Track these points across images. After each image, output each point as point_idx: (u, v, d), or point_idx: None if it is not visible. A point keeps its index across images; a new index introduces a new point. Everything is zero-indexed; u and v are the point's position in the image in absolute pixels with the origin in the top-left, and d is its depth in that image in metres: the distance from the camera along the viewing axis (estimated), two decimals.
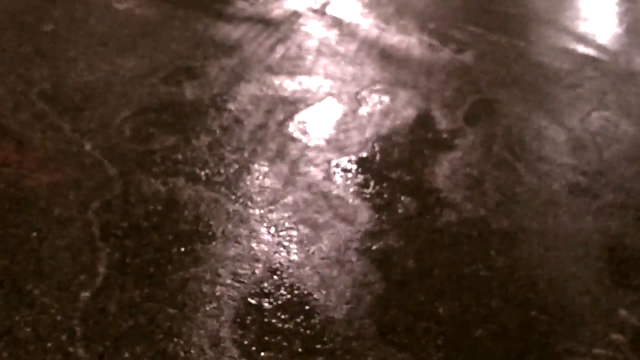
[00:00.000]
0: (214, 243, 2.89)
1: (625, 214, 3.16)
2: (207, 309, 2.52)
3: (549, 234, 3.01)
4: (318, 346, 2.38)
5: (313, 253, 2.86)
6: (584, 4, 6.40)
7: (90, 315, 2.44)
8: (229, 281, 2.67)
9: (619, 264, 2.81)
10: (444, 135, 3.84)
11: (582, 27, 5.56)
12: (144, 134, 3.80)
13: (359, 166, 3.55)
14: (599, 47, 5.12)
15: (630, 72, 4.66)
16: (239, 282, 2.67)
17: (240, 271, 2.73)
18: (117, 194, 3.19)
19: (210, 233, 2.95)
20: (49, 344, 2.29)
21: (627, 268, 2.78)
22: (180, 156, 3.58)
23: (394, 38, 5.40)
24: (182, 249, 2.83)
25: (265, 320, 2.49)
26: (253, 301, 2.58)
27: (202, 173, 3.43)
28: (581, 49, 5.12)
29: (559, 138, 3.81)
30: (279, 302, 2.58)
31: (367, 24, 5.75)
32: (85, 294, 2.53)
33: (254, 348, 2.35)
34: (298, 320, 2.50)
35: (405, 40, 5.35)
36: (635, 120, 3.98)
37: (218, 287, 2.63)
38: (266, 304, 2.57)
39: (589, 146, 3.72)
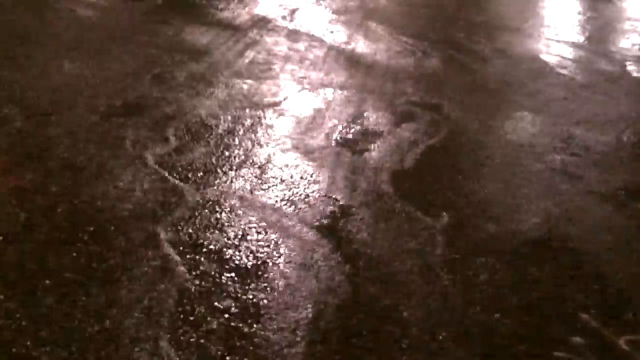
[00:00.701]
0: (181, 248, 2.89)
1: (587, 219, 3.22)
2: (173, 312, 2.53)
3: (507, 239, 3.05)
4: (285, 350, 2.40)
5: (280, 257, 2.88)
6: (548, 12, 6.49)
7: (56, 320, 2.43)
8: (196, 285, 2.68)
9: (579, 268, 2.86)
10: (409, 140, 3.88)
11: (547, 35, 5.65)
12: (111, 138, 3.79)
13: (326, 171, 3.57)
14: (563, 55, 5.20)
15: (592, 79, 4.74)
16: (206, 286, 2.68)
17: (207, 276, 2.74)
18: (84, 199, 3.18)
19: (177, 237, 2.96)
20: (14, 349, 2.29)
21: (587, 273, 2.83)
22: (147, 160, 3.58)
23: (361, 45, 5.44)
24: (149, 253, 2.83)
25: (232, 324, 2.50)
26: (220, 305, 2.59)
27: (170, 177, 3.43)
28: (545, 56, 5.20)
29: (522, 143, 3.86)
30: (246, 306, 2.59)
31: (335, 30, 5.79)
32: (51, 299, 2.53)
33: (219, 352, 2.36)
34: (264, 324, 2.51)
35: (372, 46, 5.40)
36: (597, 128, 4.05)
37: (184, 291, 2.64)
38: (233, 309, 2.58)
39: (549, 152, 3.78)
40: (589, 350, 2.45)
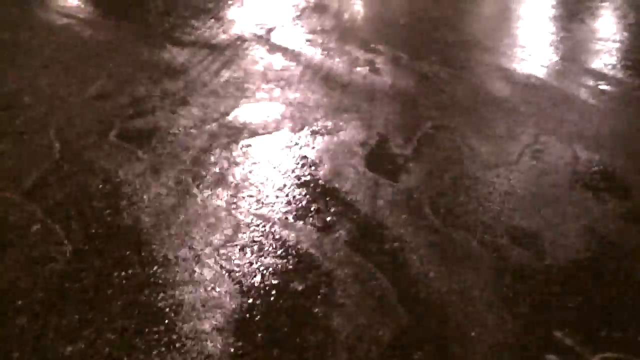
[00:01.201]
0: (155, 268, 2.88)
1: (560, 237, 3.24)
2: (148, 334, 2.51)
3: (487, 256, 3.07)
4: None
5: (253, 279, 2.87)
6: (521, 32, 6.56)
7: (28, 341, 2.41)
8: (169, 306, 2.67)
9: (552, 285, 2.88)
10: (386, 160, 3.89)
11: (520, 54, 5.70)
12: (86, 157, 3.78)
13: (301, 190, 3.57)
14: (536, 74, 5.26)
15: (566, 98, 4.79)
16: (179, 308, 2.67)
17: (182, 297, 2.73)
18: (58, 218, 3.16)
19: (151, 258, 2.94)
20: None
21: (561, 290, 2.85)
22: (121, 180, 3.57)
23: (337, 64, 5.47)
24: (123, 274, 2.82)
25: (208, 342, 2.49)
26: (190, 327, 2.58)
27: (145, 197, 3.42)
28: (519, 75, 5.25)
29: (498, 162, 3.89)
30: (218, 327, 2.58)
31: (311, 50, 5.81)
32: (23, 319, 2.51)
33: None
34: (240, 342, 2.50)
35: (348, 65, 5.42)
36: (572, 145, 4.08)
37: (159, 312, 2.63)
38: (207, 327, 2.57)
39: (526, 170, 3.81)
40: None
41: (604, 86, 5.08)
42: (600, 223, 3.35)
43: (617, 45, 6.08)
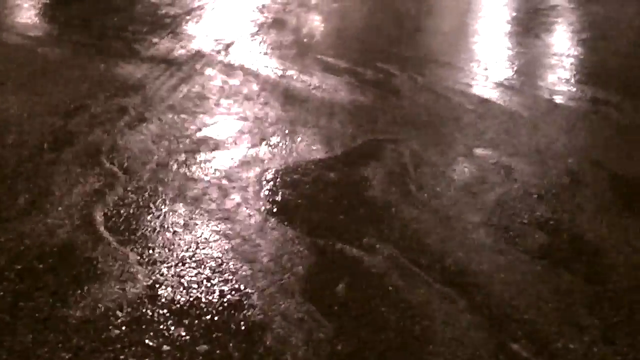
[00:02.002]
0: (112, 284, 2.85)
1: (516, 251, 3.27)
2: (103, 353, 2.48)
3: (437, 270, 3.08)
4: None
5: (213, 293, 2.85)
6: (478, 47, 6.63)
7: None
8: (126, 323, 2.64)
9: (511, 298, 2.91)
10: (344, 172, 3.91)
11: (477, 70, 5.77)
12: (40, 174, 3.73)
13: (260, 206, 3.57)
14: (493, 89, 5.32)
15: (522, 113, 4.85)
16: (137, 324, 2.64)
17: (139, 313, 2.70)
18: (11, 237, 3.12)
19: (107, 275, 2.91)
20: None
21: (517, 303, 2.88)
22: (77, 197, 3.53)
23: (296, 79, 5.48)
24: (78, 292, 2.78)
25: None
26: (151, 343, 2.55)
27: (100, 214, 3.39)
28: (476, 89, 5.30)
29: (454, 176, 3.92)
30: (178, 344, 2.56)
31: (270, 65, 5.82)
32: None
33: None
34: None
35: (307, 81, 5.43)
36: (527, 160, 4.13)
37: (115, 330, 2.59)
38: (165, 347, 2.54)
39: (481, 184, 3.84)
40: None
41: (559, 100, 5.16)
42: (553, 239, 3.39)
43: (572, 60, 6.18)
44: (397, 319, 2.76)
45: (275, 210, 3.53)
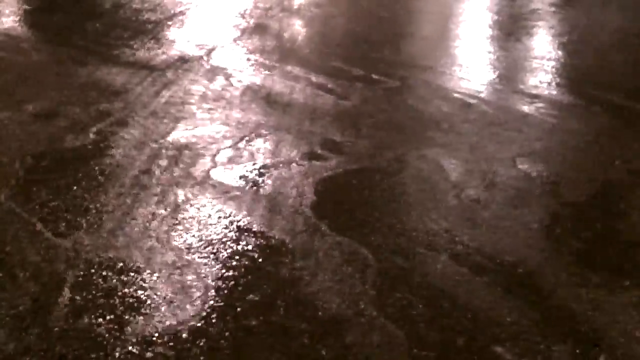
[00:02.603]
0: (95, 292, 2.83)
1: (497, 255, 3.29)
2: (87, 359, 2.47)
3: (420, 273, 3.09)
4: None
5: (195, 300, 2.84)
6: (460, 51, 6.66)
7: None
8: (109, 331, 2.62)
9: (492, 302, 2.92)
10: (328, 178, 3.91)
11: (459, 73, 5.79)
12: (23, 181, 3.71)
13: (242, 211, 3.56)
14: (474, 93, 5.34)
15: (503, 116, 4.88)
16: (120, 332, 2.63)
17: (121, 321, 2.68)
18: None
19: (92, 283, 2.89)
20: None
21: (499, 306, 2.89)
22: (60, 203, 3.51)
23: (278, 84, 5.48)
24: (60, 299, 2.76)
25: None
26: (135, 351, 2.54)
27: (83, 219, 3.37)
28: (458, 94, 5.33)
29: (436, 179, 3.93)
30: (161, 351, 2.55)
31: (252, 70, 5.82)
32: None
33: None
34: None
35: (289, 85, 5.44)
36: (509, 164, 4.16)
37: (98, 338, 2.58)
38: (149, 354, 2.53)
39: (463, 188, 3.86)
40: None
41: (539, 104, 5.19)
42: (539, 239, 3.42)
43: (553, 63, 6.21)
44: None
45: (258, 214, 3.52)
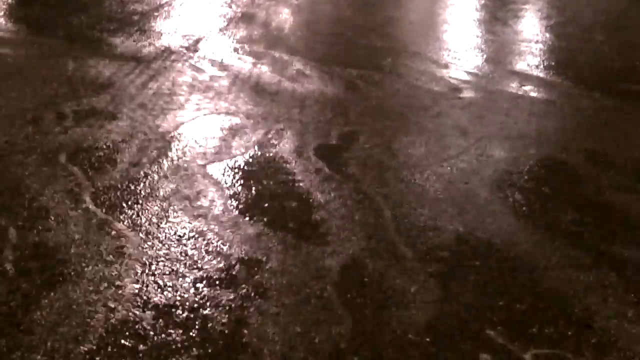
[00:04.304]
0: (86, 285, 2.82)
1: (488, 237, 3.30)
2: (78, 355, 2.46)
3: (418, 257, 3.09)
4: None
5: (188, 290, 2.84)
6: (447, 36, 6.66)
7: None
8: (101, 324, 2.62)
9: (484, 286, 2.92)
10: (317, 165, 3.90)
11: (447, 58, 5.79)
12: (9, 176, 3.69)
13: (234, 200, 3.55)
14: (463, 77, 5.35)
15: (492, 100, 4.88)
16: (112, 325, 2.62)
17: (112, 316, 2.68)
18: None
19: (81, 276, 2.88)
20: None
21: (492, 290, 2.89)
22: (48, 199, 3.49)
23: (266, 73, 5.47)
24: (52, 294, 2.75)
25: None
26: (127, 343, 2.53)
27: (72, 214, 3.36)
28: (446, 79, 5.33)
29: (428, 164, 3.93)
30: (153, 343, 2.54)
31: (239, 59, 5.80)
32: None
33: None
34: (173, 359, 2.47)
35: (277, 74, 5.43)
36: (500, 147, 4.16)
37: (90, 332, 2.57)
38: (141, 346, 2.53)
39: (454, 173, 3.86)
40: None
41: (528, 86, 5.19)
42: (529, 220, 3.42)
43: (540, 46, 6.22)
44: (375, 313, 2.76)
45: (249, 205, 3.52)
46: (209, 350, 2.51)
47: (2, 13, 7.16)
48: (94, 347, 2.49)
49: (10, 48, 5.97)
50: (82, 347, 2.48)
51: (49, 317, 2.62)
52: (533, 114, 4.70)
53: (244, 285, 2.88)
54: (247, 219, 3.39)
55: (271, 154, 4.06)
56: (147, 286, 2.85)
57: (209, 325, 2.64)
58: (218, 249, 3.13)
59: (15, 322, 2.59)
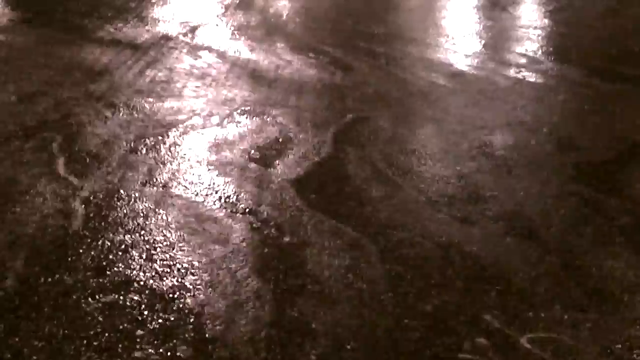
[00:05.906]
0: (83, 272, 2.83)
1: (486, 223, 3.30)
2: (76, 339, 2.46)
3: (414, 245, 3.10)
4: None
5: (186, 276, 2.84)
6: (446, 22, 6.65)
7: None
8: (98, 310, 2.62)
9: (481, 271, 2.93)
10: (315, 152, 3.90)
11: (445, 44, 5.78)
12: (7, 164, 3.69)
13: (231, 187, 3.55)
14: (461, 64, 5.34)
15: (490, 86, 4.88)
16: (110, 310, 2.62)
17: (111, 299, 2.68)
18: None
19: (78, 262, 2.89)
20: None
21: (488, 275, 2.90)
22: (46, 184, 3.49)
23: (264, 60, 5.46)
24: (49, 280, 2.76)
25: (137, 346, 2.45)
26: (123, 327, 2.54)
27: (72, 202, 3.36)
28: (444, 65, 5.32)
29: (428, 152, 3.93)
30: (152, 328, 2.55)
31: (237, 46, 5.78)
32: None
33: None
34: (171, 344, 2.47)
35: (275, 61, 5.41)
36: (499, 133, 4.16)
37: (88, 317, 2.58)
38: (139, 331, 2.53)
39: (455, 158, 3.86)
40: (493, 350, 2.50)
41: (527, 72, 5.18)
42: (527, 206, 3.42)
43: (539, 31, 6.21)
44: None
45: (247, 191, 3.52)
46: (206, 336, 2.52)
47: None
48: (92, 333, 2.50)
49: (6, 35, 5.95)
50: (82, 333, 2.49)
51: (47, 303, 2.63)
52: (532, 99, 4.70)
53: (240, 271, 2.88)
54: (245, 205, 3.39)
55: (268, 140, 4.06)
56: (144, 273, 2.85)
57: (207, 310, 2.65)
58: (216, 234, 3.13)
59: (12, 307, 2.60)
